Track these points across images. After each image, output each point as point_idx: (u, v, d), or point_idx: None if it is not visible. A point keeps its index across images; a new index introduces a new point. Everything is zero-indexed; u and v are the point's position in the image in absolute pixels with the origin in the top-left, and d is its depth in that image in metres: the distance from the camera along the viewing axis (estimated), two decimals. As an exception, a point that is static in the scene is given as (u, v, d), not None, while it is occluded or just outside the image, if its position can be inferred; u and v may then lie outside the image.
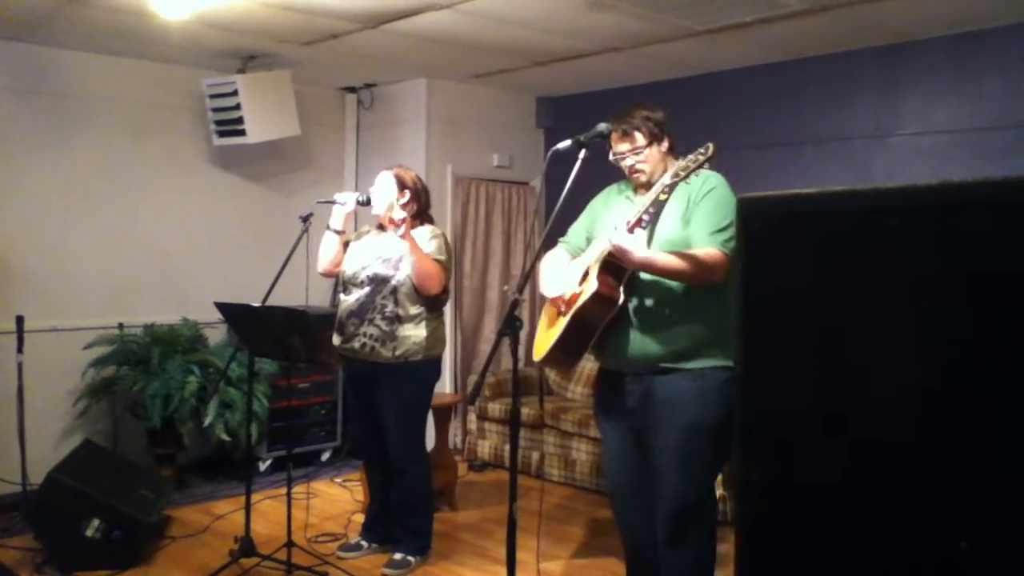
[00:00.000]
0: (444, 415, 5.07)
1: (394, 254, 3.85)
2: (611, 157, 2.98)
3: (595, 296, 2.76)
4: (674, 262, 2.73)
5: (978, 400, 1.16)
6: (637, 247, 2.69)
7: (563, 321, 2.87)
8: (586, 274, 2.87)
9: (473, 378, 6.19)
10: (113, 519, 3.89)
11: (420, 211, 4.01)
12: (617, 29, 4.66)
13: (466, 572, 4.04)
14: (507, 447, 5.68)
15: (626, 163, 2.96)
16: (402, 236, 3.68)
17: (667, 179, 2.67)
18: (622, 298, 2.79)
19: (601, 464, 5.22)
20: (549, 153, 2.82)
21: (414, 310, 3.86)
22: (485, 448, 5.91)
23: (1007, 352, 1.12)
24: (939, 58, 4.74)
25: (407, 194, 3.95)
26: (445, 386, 6.12)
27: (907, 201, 1.19)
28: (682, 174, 2.64)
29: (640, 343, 2.85)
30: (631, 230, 2.71)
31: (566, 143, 2.81)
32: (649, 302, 2.84)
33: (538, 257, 3.48)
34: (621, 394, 2.98)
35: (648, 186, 2.92)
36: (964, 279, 1.15)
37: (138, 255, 5.54)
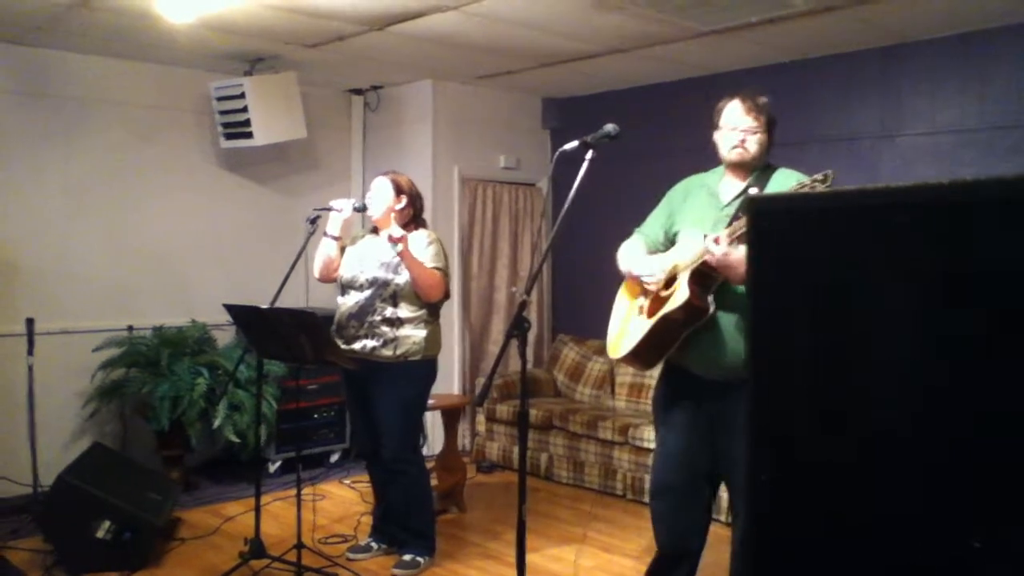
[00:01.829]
0: (453, 417, 5.07)
1: (393, 258, 3.86)
2: (723, 125, 2.91)
3: (686, 305, 2.71)
4: None
5: (987, 398, 1.16)
6: (742, 263, 2.56)
7: (647, 323, 2.84)
8: (672, 278, 2.83)
9: (481, 380, 6.20)
10: (123, 521, 3.90)
11: (415, 215, 4.04)
12: (623, 30, 4.66)
13: (474, 574, 4.04)
14: (515, 448, 5.68)
15: (737, 137, 2.88)
16: (400, 253, 3.70)
17: None
18: (712, 307, 2.76)
19: (609, 466, 5.22)
20: (556, 154, 2.79)
21: (414, 312, 3.88)
22: (493, 450, 5.91)
23: (1018, 350, 1.12)
24: (944, 58, 4.73)
25: (404, 199, 3.98)
26: (453, 387, 6.13)
27: (917, 199, 1.19)
28: None
29: (727, 354, 2.81)
30: (732, 243, 2.62)
31: (573, 144, 2.80)
32: (735, 313, 2.79)
33: (544, 258, 3.46)
34: (695, 395, 2.95)
35: (743, 170, 2.90)
36: (975, 277, 1.15)
37: (146, 257, 5.57)
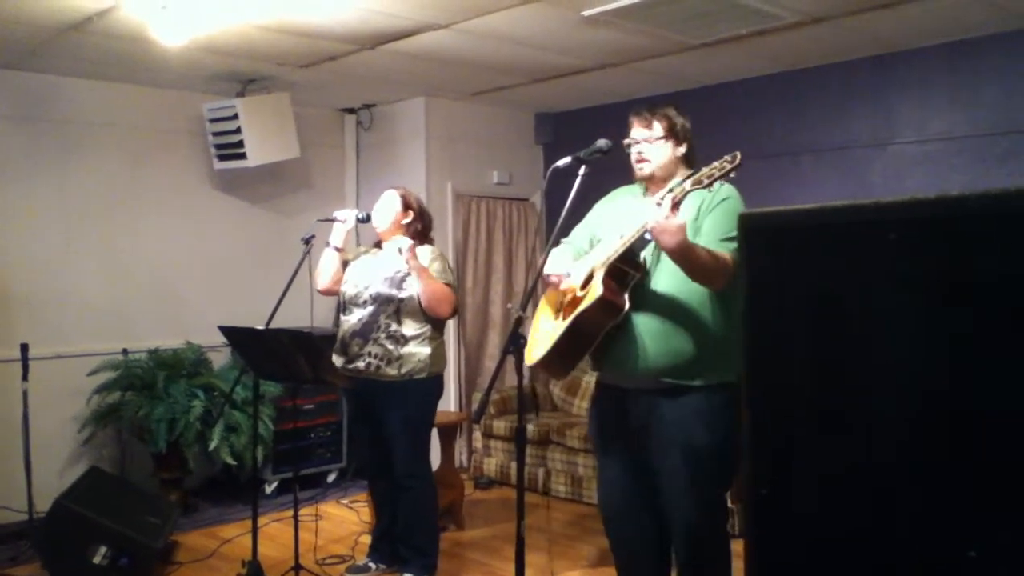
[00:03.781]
0: (449, 433, 5.06)
1: (395, 273, 3.85)
2: (624, 141, 2.87)
3: (600, 301, 2.64)
4: (702, 251, 2.61)
5: (984, 404, 1.17)
6: (682, 229, 2.51)
7: (562, 325, 2.76)
8: (589, 278, 2.76)
9: (478, 395, 6.19)
10: (120, 545, 3.88)
11: (423, 233, 4.02)
12: (614, 45, 4.68)
13: (475, 591, 4.02)
14: (513, 464, 5.66)
15: (636, 149, 2.85)
16: (408, 261, 3.68)
17: (688, 184, 2.49)
18: (627, 304, 2.69)
19: (608, 479, 5.20)
20: (549, 171, 2.77)
21: (418, 329, 3.86)
22: (491, 466, 5.89)
23: (1012, 361, 1.13)
24: (933, 67, 4.76)
25: (411, 214, 3.97)
26: (450, 404, 6.12)
27: (906, 214, 1.20)
28: (705, 181, 2.45)
29: (643, 355, 2.75)
30: (673, 208, 2.52)
31: (566, 160, 2.78)
32: (652, 313, 2.74)
33: (540, 274, 3.45)
34: (623, 413, 2.89)
35: (655, 182, 2.85)
36: (966, 289, 1.16)
37: (141, 280, 5.56)
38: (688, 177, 2.63)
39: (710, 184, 2.46)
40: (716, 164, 2.45)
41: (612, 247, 2.72)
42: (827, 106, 5.17)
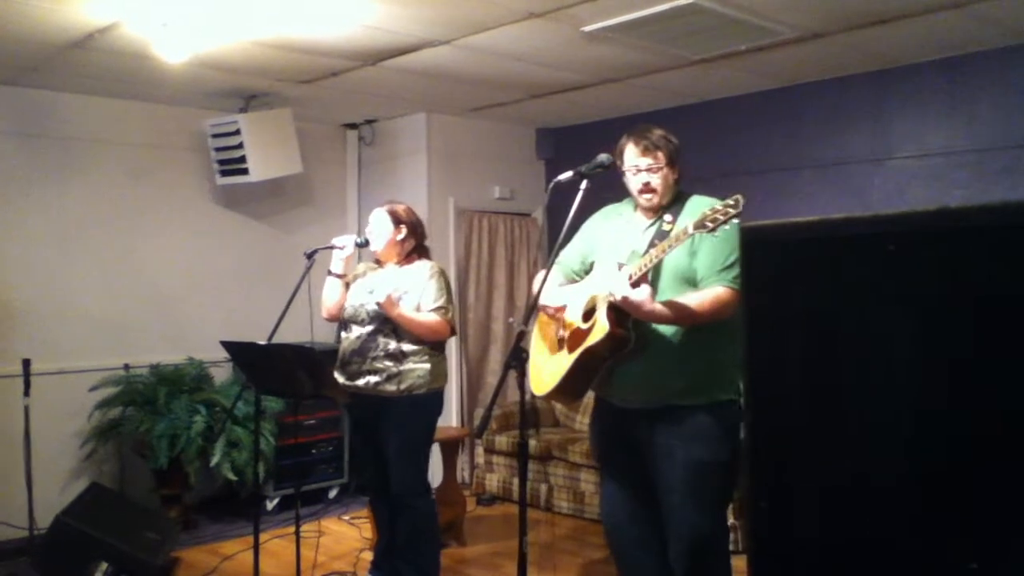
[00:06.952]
0: (451, 449, 5.05)
1: (395, 290, 3.83)
2: (626, 168, 2.86)
3: (608, 337, 2.67)
4: (685, 310, 2.64)
5: (983, 425, 1.17)
6: (645, 300, 2.58)
7: (569, 358, 2.79)
8: (591, 311, 2.78)
9: (480, 411, 6.18)
10: (121, 562, 3.86)
11: (417, 244, 4.01)
12: (613, 60, 4.70)
13: (477, 607, 4.00)
14: (515, 480, 5.65)
15: (640, 179, 2.84)
16: (396, 316, 3.69)
17: (690, 227, 2.51)
18: (633, 337, 2.71)
19: (610, 494, 5.19)
20: (550, 185, 2.78)
21: (417, 346, 3.84)
22: (493, 482, 5.88)
23: (1011, 375, 1.13)
24: (931, 82, 4.78)
25: (404, 229, 3.95)
26: (452, 420, 6.11)
27: (905, 226, 1.21)
28: (709, 225, 2.45)
29: (648, 379, 2.77)
30: (637, 283, 2.59)
31: (567, 175, 2.78)
32: (657, 338, 2.75)
33: (536, 302, 3.44)
34: (625, 428, 2.90)
35: (653, 210, 2.87)
36: (964, 302, 1.16)
37: (143, 296, 5.57)
38: (680, 199, 2.78)
39: (714, 229, 2.46)
40: (720, 208, 2.45)
41: (609, 281, 2.70)
42: (825, 121, 5.19)
